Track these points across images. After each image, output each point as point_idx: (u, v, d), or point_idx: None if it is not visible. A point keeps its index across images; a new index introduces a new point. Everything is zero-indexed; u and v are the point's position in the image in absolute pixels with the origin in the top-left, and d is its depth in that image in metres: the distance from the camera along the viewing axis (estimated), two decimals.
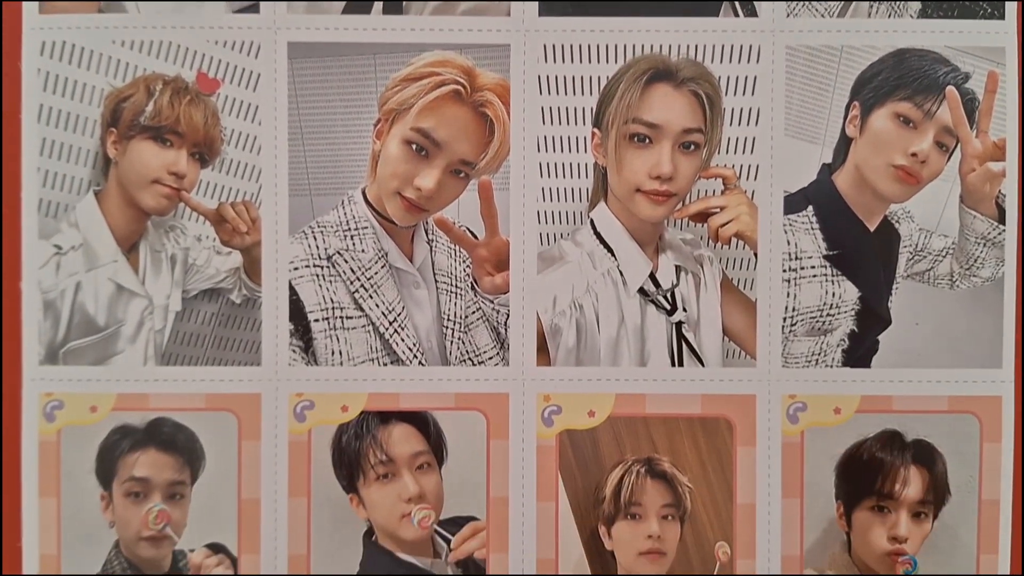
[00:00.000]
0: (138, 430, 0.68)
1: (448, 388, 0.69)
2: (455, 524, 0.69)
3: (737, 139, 0.68)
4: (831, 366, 0.70)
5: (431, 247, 0.71)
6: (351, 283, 0.68)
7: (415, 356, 0.69)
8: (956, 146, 0.67)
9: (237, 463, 0.69)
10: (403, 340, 0.69)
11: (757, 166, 0.68)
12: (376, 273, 0.69)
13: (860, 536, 0.69)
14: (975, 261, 0.70)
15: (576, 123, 0.68)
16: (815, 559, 0.70)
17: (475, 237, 0.69)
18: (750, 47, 0.67)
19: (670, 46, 0.67)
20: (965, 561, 0.69)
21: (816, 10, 0.68)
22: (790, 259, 0.69)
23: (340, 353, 0.69)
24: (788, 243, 0.69)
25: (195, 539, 0.68)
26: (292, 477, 0.69)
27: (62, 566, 0.68)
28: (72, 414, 0.68)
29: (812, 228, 0.69)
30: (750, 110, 0.68)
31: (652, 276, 0.70)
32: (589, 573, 0.69)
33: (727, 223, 0.68)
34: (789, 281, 0.69)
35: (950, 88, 0.66)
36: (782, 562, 0.69)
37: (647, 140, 0.66)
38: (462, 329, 0.71)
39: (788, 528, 0.69)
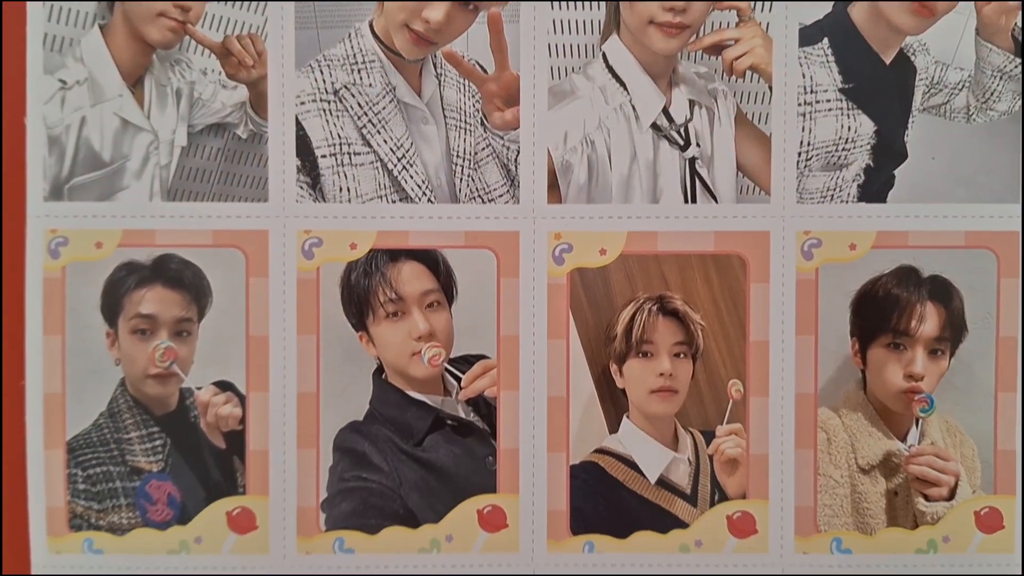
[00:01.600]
0: (144, 266, 0.67)
1: (458, 226, 0.68)
2: (465, 362, 0.69)
3: None
4: (846, 202, 0.69)
5: (440, 82, 0.70)
6: (358, 118, 0.68)
7: (424, 193, 0.69)
8: None
9: (245, 300, 0.68)
10: (412, 177, 0.69)
11: None
12: (384, 108, 0.68)
13: (875, 374, 0.68)
14: (991, 94, 0.69)
15: None
16: (829, 397, 0.69)
17: (484, 71, 0.68)
18: None
19: None
20: (982, 400, 0.68)
21: None
22: (805, 92, 0.68)
23: (348, 190, 0.68)
24: (803, 76, 0.67)
25: (202, 377, 0.68)
26: (301, 315, 0.68)
27: (67, 404, 0.67)
28: (77, 250, 0.67)
29: (827, 61, 0.68)
30: None
31: (665, 111, 0.69)
32: (600, 410, 0.69)
33: (741, 55, 0.67)
34: (804, 115, 0.68)
35: None
36: (796, 400, 0.68)
37: None
38: (471, 166, 0.70)
39: (802, 366, 0.68)
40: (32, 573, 0.67)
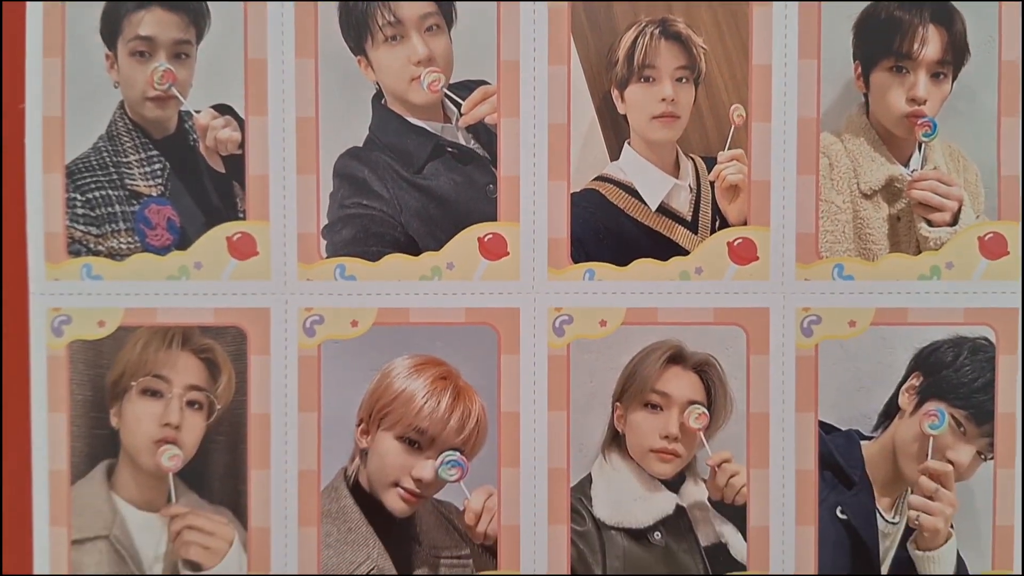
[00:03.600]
0: None
1: None
2: (465, 88, 0.68)
3: None
4: None
5: None
6: None
7: None
8: None
9: (243, 23, 0.67)
10: None
11: None
12: None
13: (878, 98, 0.68)
14: None
15: None
16: (832, 122, 0.68)
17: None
18: None
19: None
20: (985, 124, 0.68)
21: None
22: None
23: None
24: None
25: (201, 100, 0.67)
26: (299, 38, 0.67)
27: (66, 127, 0.67)
28: None
29: None
30: None
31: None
32: (601, 137, 0.68)
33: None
34: None
35: None
36: (798, 125, 0.67)
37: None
38: None
39: (804, 90, 0.67)
40: (30, 299, 0.67)
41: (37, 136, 0.67)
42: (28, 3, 0.66)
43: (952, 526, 0.67)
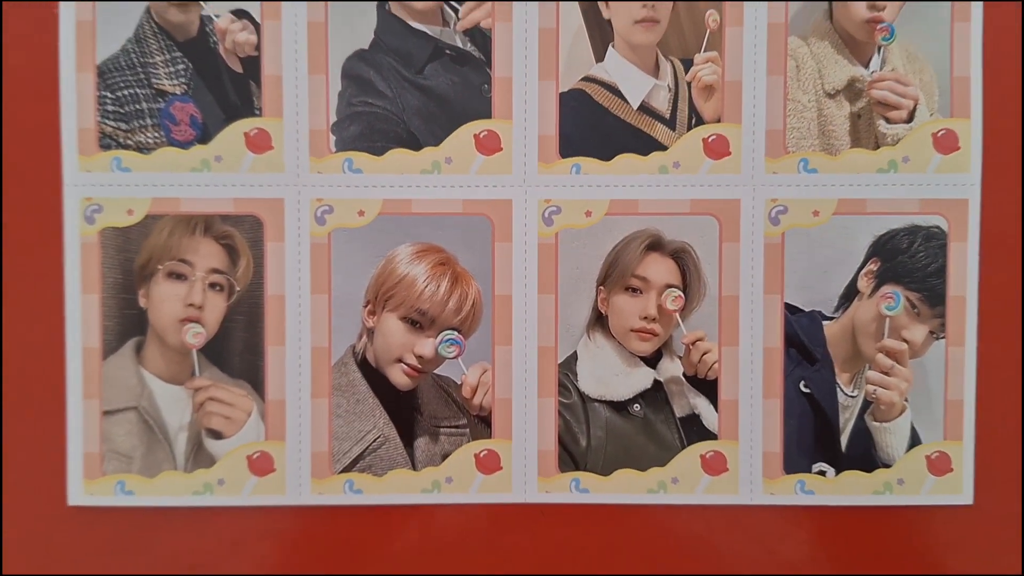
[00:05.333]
0: None
1: None
2: None
3: None
4: None
5: None
6: None
7: None
8: None
9: None
10: None
11: None
12: None
13: (841, 4, 0.74)
14: None
15: None
16: (798, 26, 0.74)
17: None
18: None
19: None
20: (939, 29, 0.74)
21: None
22: None
23: None
24: None
25: (221, 6, 0.73)
26: None
27: (96, 30, 0.73)
28: None
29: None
30: None
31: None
32: (587, 41, 0.74)
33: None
34: None
35: None
36: (768, 29, 0.73)
37: None
38: None
39: None
40: (64, 189, 0.74)
41: (71, 38, 0.73)
42: None
43: (907, 400, 0.74)
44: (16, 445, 0.74)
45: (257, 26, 0.73)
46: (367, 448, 0.74)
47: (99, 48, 0.73)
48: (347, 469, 0.73)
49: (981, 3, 0.72)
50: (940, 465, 0.74)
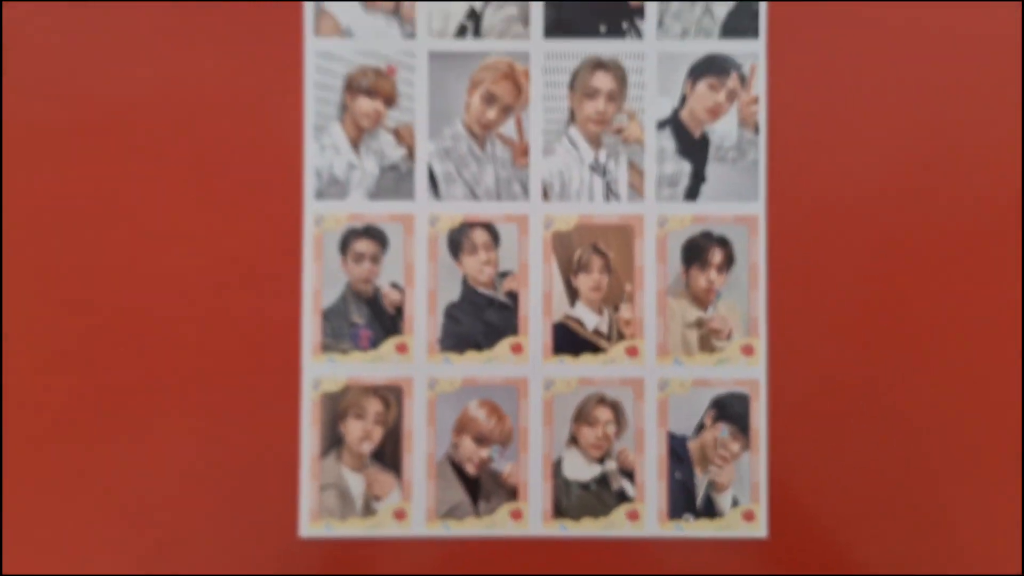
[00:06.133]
0: None
1: None
2: None
3: None
4: None
5: None
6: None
7: None
8: None
9: None
10: None
11: None
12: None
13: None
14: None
15: None
16: (672, 290, 1.44)
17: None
18: None
19: None
20: (744, 295, 1.44)
21: None
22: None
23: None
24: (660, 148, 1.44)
25: (385, 279, 1.44)
26: None
27: (323, 295, 1.44)
28: None
29: (671, 137, 1.45)
30: None
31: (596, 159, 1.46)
32: None
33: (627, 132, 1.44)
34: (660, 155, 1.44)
35: None
36: (656, 296, 1.43)
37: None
38: None
39: None
40: (301, 374, 1.44)
41: (311, 324, 1.43)
42: None
43: (731, 481, 1.42)
44: (258, 494, 1.40)
45: (402, 291, 1.43)
46: (451, 508, 1.41)
47: (324, 299, 1.42)
48: (443, 516, 1.41)
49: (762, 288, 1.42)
50: (748, 516, 1.41)
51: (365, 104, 1.32)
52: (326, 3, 1.29)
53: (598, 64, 1.30)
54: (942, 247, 1.22)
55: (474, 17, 1.29)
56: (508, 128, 1.31)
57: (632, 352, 1.32)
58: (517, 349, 1.31)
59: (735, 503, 1.30)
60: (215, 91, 1.24)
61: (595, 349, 1.31)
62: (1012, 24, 1.07)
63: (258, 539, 1.24)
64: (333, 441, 1.32)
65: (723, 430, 1.30)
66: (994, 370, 1.21)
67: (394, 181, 1.33)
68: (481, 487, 1.31)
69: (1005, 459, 1.18)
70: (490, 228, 1.32)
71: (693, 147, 1.32)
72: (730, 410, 1.31)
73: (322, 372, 1.31)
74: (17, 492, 1.23)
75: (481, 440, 1.31)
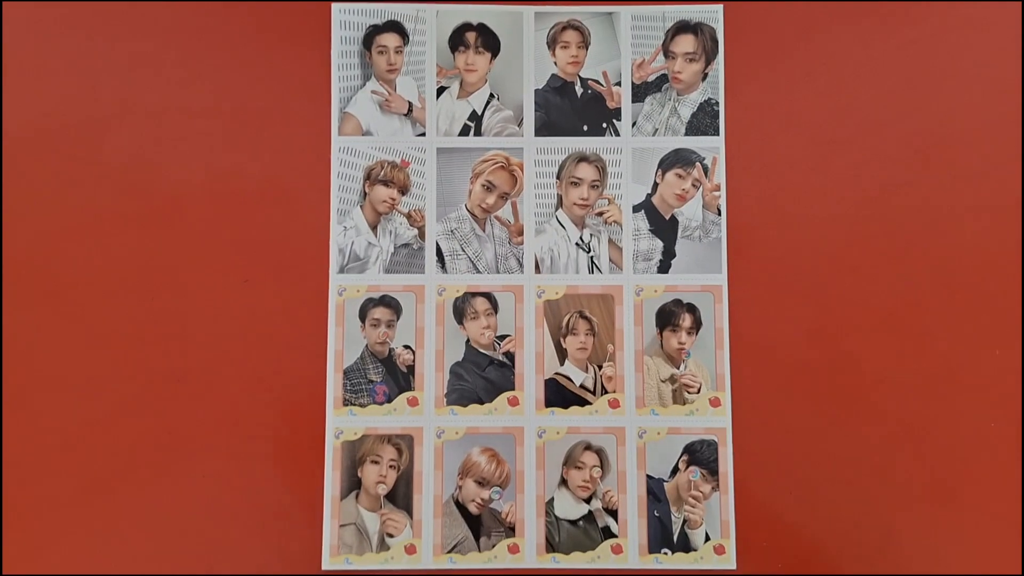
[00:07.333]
0: None
1: None
2: None
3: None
4: None
5: None
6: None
7: None
8: None
9: None
10: None
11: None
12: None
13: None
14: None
15: None
16: (649, 349, 1.63)
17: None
18: None
19: None
20: (710, 354, 1.64)
21: None
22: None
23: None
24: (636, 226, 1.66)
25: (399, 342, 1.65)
26: None
27: (345, 350, 1.64)
28: None
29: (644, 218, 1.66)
30: None
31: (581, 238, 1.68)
32: None
33: (609, 215, 1.65)
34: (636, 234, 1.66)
35: None
36: (635, 355, 1.63)
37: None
38: None
39: None
40: (327, 426, 1.63)
41: (334, 379, 1.64)
42: None
43: (703, 518, 1.59)
44: (286, 531, 1.47)
45: (413, 352, 1.63)
46: (456, 543, 1.58)
47: (346, 359, 1.63)
48: (449, 551, 1.58)
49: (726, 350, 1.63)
50: (719, 550, 1.58)
51: (382, 192, 1.46)
52: (349, 108, 1.46)
53: (582, 158, 1.43)
54: (880, 309, 1.38)
55: (475, 118, 1.44)
56: (505, 212, 1.44)
57: (614, 404, 1.43)
58: (514, 402, 1.41)
59: (707, 538, 1.40)
60: (255, 182, 1.42)
61: (582, 402, 1.42)
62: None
63: (285, 571, 1.37)
64: (352, 484, 1.42)
65: (695, 473, 1.41)
66: (938, 417, 1.37)
67: (407, 257, 1.45)
68: (483, 524, 1.40)
69: (952, 503, 1.35)
70: (490, 297, 1.43)
71: (664, 227, 1.45)
72: (701, 455, 1.43)
73: (343, 423, 1.43)
74: (60, 538, 1.36)
75: (483, 482, 1.41)
